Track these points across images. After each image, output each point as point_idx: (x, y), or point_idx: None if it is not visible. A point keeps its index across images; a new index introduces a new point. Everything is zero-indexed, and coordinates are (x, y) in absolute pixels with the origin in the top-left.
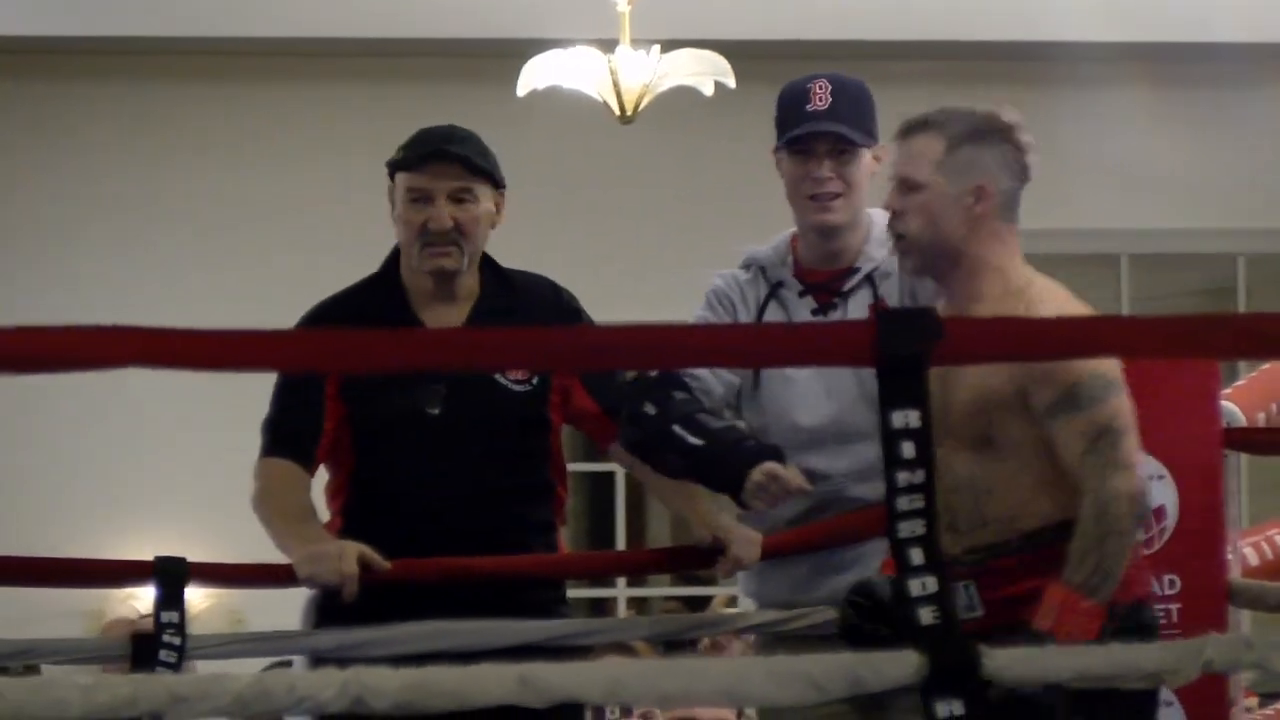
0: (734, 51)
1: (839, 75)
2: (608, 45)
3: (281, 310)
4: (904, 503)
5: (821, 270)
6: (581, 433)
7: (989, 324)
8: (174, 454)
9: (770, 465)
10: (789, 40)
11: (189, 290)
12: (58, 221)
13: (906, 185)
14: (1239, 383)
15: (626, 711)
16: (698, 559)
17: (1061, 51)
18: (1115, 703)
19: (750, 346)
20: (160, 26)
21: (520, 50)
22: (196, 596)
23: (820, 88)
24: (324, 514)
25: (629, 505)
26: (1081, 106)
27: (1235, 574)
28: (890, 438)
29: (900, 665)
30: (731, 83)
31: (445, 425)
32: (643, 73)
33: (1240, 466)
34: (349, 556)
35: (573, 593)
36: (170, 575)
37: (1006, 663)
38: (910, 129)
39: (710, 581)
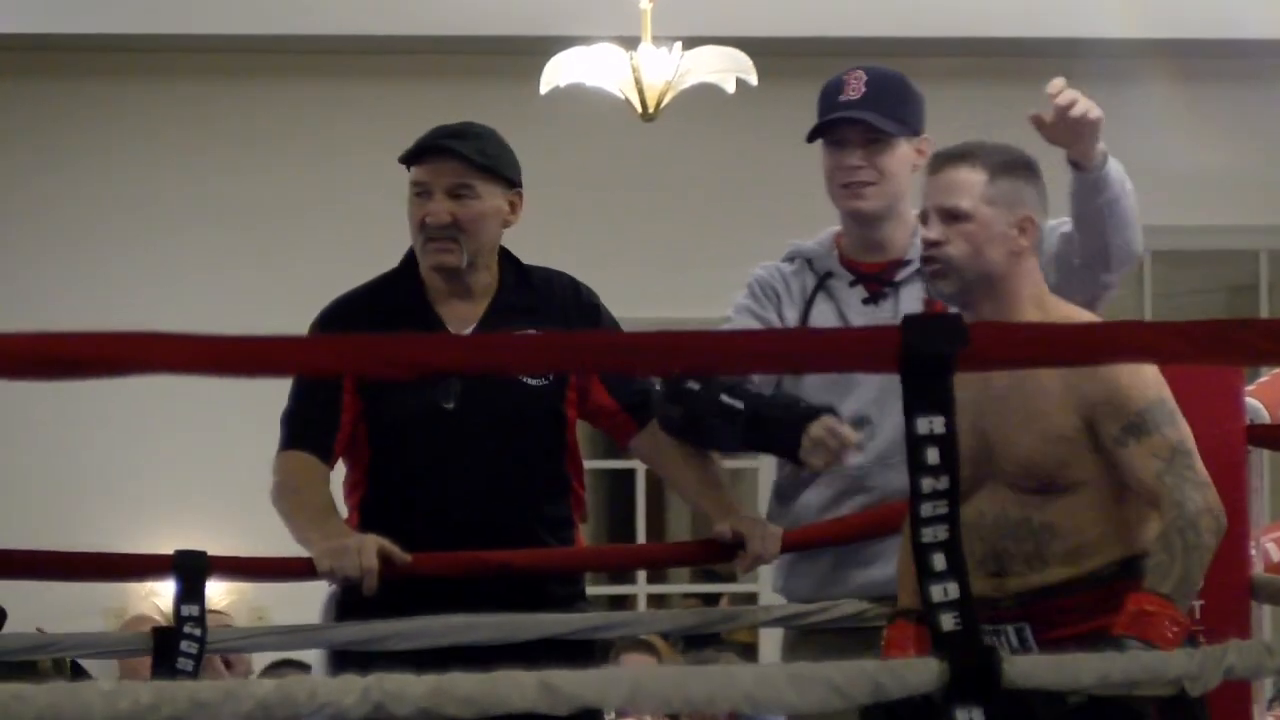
0: (756, 48)
1: (879, 67)
2: (630, 42)
3: (283, 310)
4: (928, 509)
5: (871, 262)
6: (600, 430)
7: (1014, 329)
8: (194, 448)
9: (828, 419)
10: (811, 37)
11: (190, 290)
12: (58, 221)
13: (951, 215)
14: (1262, 379)
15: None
16: (718, 553)
17: (1086, 48)
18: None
19: (777, 350)
20: (167, 24)
21: (543, 48)
22: (219, 592)
23: (855, 78)
24: (342, 509)
25: (649, 503)
26: (1105, 102)
27: (1258, 569)
28: (915, 443)
29: (922, 672)
30: (754, 80)
31: (461, 420)
32: (665, 70)
33: (1263, 463)
34: (369, 550)
35: (592, 589)
36: (190, 569)
37: (1028, 669)
38: (947, 159)
39: (730, 578)
